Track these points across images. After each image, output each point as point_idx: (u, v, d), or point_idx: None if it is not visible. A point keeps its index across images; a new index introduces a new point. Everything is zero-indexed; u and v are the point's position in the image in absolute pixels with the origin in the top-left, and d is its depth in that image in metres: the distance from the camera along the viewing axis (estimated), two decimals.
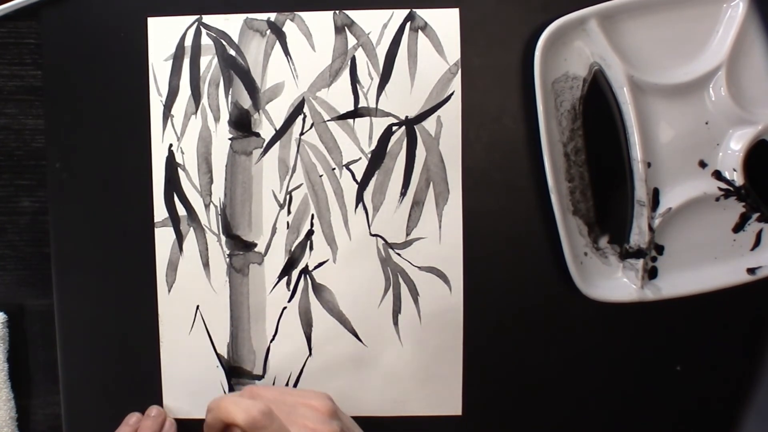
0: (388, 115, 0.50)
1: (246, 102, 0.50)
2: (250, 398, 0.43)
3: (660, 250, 0.51)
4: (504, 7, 0.50)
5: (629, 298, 0.51)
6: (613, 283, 0.51)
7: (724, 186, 0.51)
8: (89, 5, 0.50)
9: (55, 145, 0.51)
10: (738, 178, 0.51)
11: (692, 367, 0.52)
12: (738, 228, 0.52)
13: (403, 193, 0.50)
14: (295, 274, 0.51)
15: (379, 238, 0.51)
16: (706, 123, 0.51)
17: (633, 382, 0.52)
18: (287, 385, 0.51)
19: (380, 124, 0.50)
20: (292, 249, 0.51)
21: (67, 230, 0.51)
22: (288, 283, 0.51)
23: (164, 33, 0.50)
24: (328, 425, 0.42)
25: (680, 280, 0.51)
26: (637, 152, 0.49)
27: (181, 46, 0.50)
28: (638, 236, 0.51)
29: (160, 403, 0.51)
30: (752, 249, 0.52)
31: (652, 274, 0.51)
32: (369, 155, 0.50)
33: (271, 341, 0.51)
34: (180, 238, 0.50)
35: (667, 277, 0.51)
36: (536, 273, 0.51)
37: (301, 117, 0.50)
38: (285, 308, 0.51)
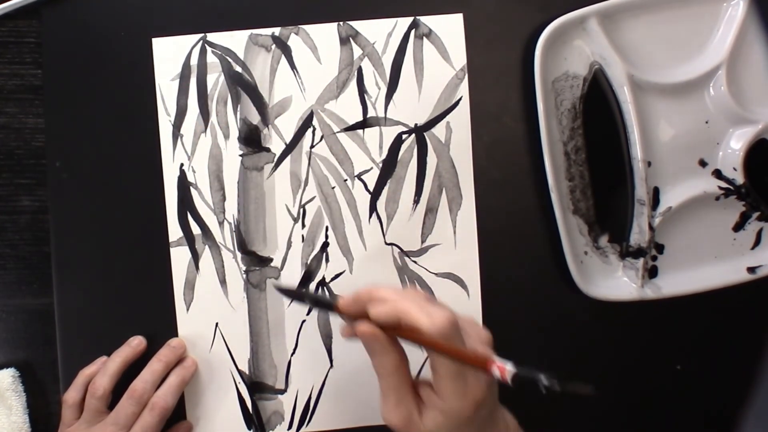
0: (397, 123, 0.50)
1: (255, 118, 0.50)
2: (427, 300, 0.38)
3: (660, 249, 0.52)
4: (505, 6, 0.50)
5: (629, 297, 0.51)
6: (614, 282, 0.52)
7: (724, 185, 0.51)
8: (90, 5, 0.50)
9: (55, 144, 0.51)
10: (738, 177, 0.51)
11: (692, 366, 0.53)
12: (738, 227, 0.52)
13: (416, 201, 0.51)
14: (312, 286, 0.51)
15: (394, 247, 0.51)
16: (706, 122, 0.51)
17: (633, 382, 0.53)
18: (309, 398, 0.51)
19: (390, 133, 0.50)
20: (309, 262, 0.51)
21: (67, 229, 0.51)
22: None
23: (169, 53, 0.50)
24: (489, 351, 0.39)
25: (680, 279, 0.51)
26: (637, 151, 0.50)
27: (187, 66, 0.50)
28: (638, 235, 0.51)
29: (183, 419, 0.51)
30: (752, 248, 0.52)
31: (652, 273, 0.52)
32: (380, 165, 0.50)
33: (291, 355, 0.51)
34: (196, 256, 0.50)
35: (667, 276, 0.52)
36: (536, 272, 0.52)
37: (310, 130, 0.50)
38: (304, 321, 0.51)
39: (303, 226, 0.51)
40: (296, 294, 0.46)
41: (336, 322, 0.51)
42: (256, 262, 0.51)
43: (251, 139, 0.50)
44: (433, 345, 0.35)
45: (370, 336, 0.37)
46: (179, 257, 0.51)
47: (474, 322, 0.40)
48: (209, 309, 0.51)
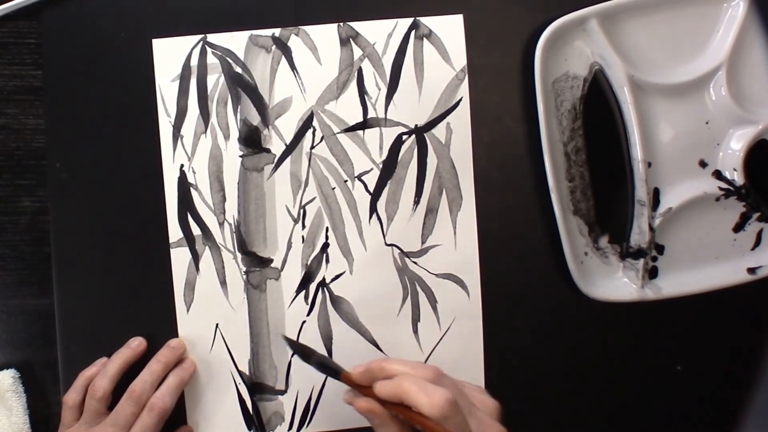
0: (397, 124, 0.50)
1: (255, 118, 0.50)
2: (434, 381, 0.38)
3: (660, 249, 0.52)
4: (505, 7, 0.50)
5: (630, 298, 0.51)
6: (614, 282, 0.52)
7: (724, 186, 0.51)
8: (90, 5, 0.50)
9: (55, 145, 0.51)
10: (738, 178, 0.51)
11: (692, 367, 0.53)
12: (738, 228, 0.52)
13: (417, 202, 0.51)
14: (312, 287, 0.51)
15: (394, 248, 0.51)
16: (707, 122, 0.51)
17: (633, 382, 0.53)
18: (309, 399, 0.51)
19: (390, 134, 0.50)
20: (309, 262, 0.51)
21: (67, 230, 0.51)
22: (306, 297, 0.51)
23: (170, 54, 0.50)
24: (498, 426, 0.40)
25: (681, 280, 0.52)
26: (637, 152, 0.50)
27: (187, 66, 0.50)
28: (638, 236, 0.51)
29: (183, 422, 0.51)
30: (752, 249, 0.53)
31: (652, 273, 0.52)
32: (380, 165, 0.50)
33: (292, 356, 0.51)
34: (196, 257, 0.50)
35: (667, 277, 0.52)
36: (536, 272, 0.52)
37: (310, 131, 0.50)
38: (304, 322, 0.51)
39: (303, 226, 0.51)
40: (303, 351, 0.46)
41: (336, 322, 0.51)
42: (256, 262, 0.51)
43: (251, 140, 0.50)
44: (431, 430, 0.36)
45: (368, 412, 0.39)
46: (179, 258, 0.50)
47: (481, 392, 0.42)
48: (209, 310, 0.51)
